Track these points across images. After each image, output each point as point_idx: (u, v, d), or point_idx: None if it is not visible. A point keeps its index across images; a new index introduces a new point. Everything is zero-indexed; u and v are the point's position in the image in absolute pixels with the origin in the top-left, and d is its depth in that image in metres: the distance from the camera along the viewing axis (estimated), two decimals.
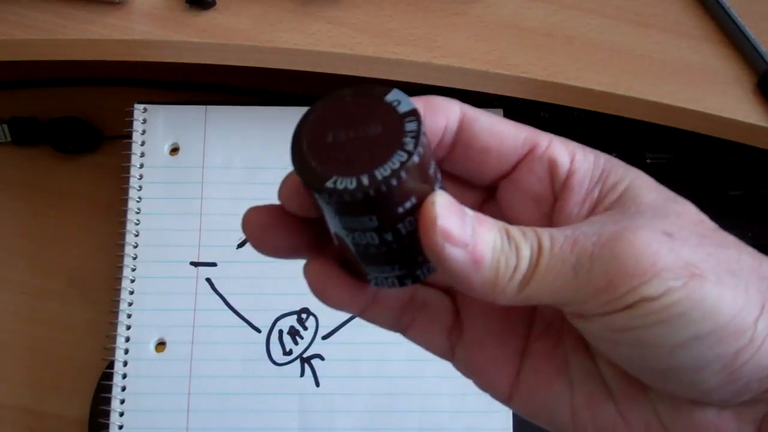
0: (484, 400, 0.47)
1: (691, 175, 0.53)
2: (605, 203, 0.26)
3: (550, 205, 0.27)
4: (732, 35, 0.49)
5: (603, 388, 0.27)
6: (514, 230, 0.24)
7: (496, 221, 0.25)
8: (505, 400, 0.29)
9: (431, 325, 0.29)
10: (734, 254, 0.25)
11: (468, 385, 0.48)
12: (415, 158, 0.23)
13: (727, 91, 0.47)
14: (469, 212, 0.24)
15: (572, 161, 0.27)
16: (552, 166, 0.27)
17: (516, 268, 0.24)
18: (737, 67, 0.48)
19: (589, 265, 0.23)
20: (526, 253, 0.24)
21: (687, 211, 0.26)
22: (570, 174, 0.27)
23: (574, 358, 0.27)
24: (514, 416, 0.48)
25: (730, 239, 0.26)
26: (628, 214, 0.25)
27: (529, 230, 0.24)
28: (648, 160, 0.53)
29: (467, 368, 0.29)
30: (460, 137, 0.27)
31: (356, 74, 0.48)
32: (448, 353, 0.29)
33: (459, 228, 0.23)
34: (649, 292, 0.23)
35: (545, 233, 0.24)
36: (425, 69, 0.47)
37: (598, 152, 0.27)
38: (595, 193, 0.27)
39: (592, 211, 0.26)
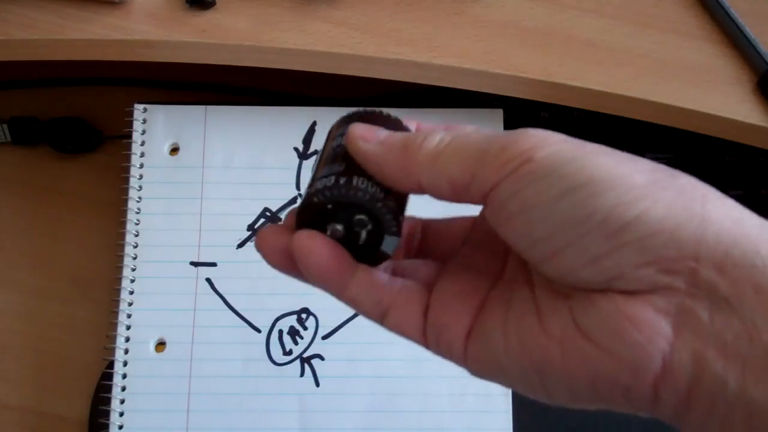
0: (484, 400, 0.48)
1: (691, 175, 0.53)
2: None
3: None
4: (732, 35, 0.49)
5: (532, 307, 0.27)
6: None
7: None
8: (462, 355, 0.29)
9: (409, 303, 0.30)
10: (648, 163, 0.26)
11: (468, 385, 0.48)
12: None
13: (727, 91, 0.47)
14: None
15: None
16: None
17: (424, 140, 0.28)
18: (737, 67, 0.48)
19: (495, 136, 0.27)
20: (437, 135, 0.28)
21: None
22: None
23: (517, 293, 0.28)
24: (514, 416, 0.48)
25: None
26: None
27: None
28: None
29: (434, 335, 0.29)
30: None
31: (356, 74, 0.48)
32: (421, 335, 0.30)
33: (364, 127, 0.29)
34: (534, 154, 0.26)
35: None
36: (425, 69, 0.47)
37: None
38: None
39: None
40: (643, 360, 0.24)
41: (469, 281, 0.30)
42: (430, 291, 0.30)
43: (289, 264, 0.30)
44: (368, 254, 0.30)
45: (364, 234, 0.29)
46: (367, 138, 0.29)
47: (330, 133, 0.31)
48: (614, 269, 0.25)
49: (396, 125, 0.31)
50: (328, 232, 0.29)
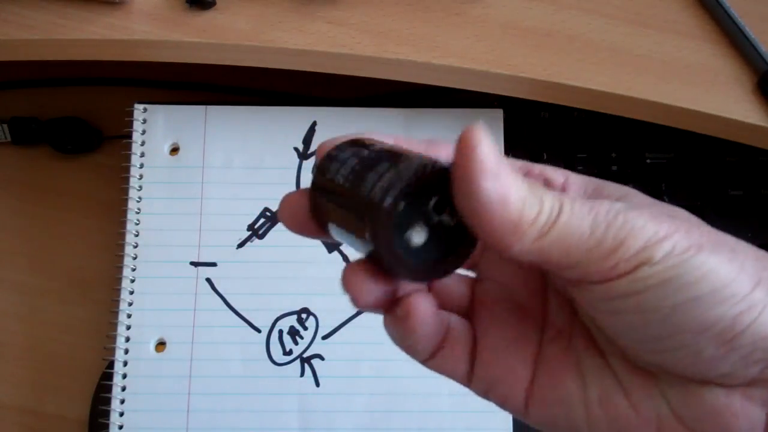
0: (484, 400, 0.48)
1: (691, 175, 0.53)
2: None
3: None
4: (732, 35, 0.49)
5: (614, 382, 0.27)
6: (537, 184, 0.25)
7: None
8: (522, 410, 0.29)
9: (455, 347, 0.29)
10: (732, 239, 0.26)
11: None
12: None
13: (727, 91, 0.47)
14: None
15: (566, 179, 0.29)
16: (547, 183, 0.28)
17: (539, 213, 0.24)
18: (737, 67, 0.48)
19: (604, 227, 0.24)
20: (548, 204, 0.25)
21: (683, 214, 0.27)
22: (564, 187, 0.28)
23: (585, 356, 0.28)
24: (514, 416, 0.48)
25: (727, 235, 0.26)
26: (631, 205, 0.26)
27: (549, 190, 0.25)
28: (648, 160, 0.53)
29: (485, 384, 0.29)
30: None
31: (356, 74, 0.48)
32: (467, 377, 0.30)
33: (494, 160, 0.23)
34: (652, 254, 0.24)
35: (565, 195, 0.25)
36: (425, 69, 0.47)
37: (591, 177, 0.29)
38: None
39: None
40: None
41: (514, 322, 0.29)
42: (471, 325, 0.30)
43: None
44: (455, 247, 0.26)
45: (447, 219, 0.25)
46: (488, 169, 0.24)
47: (324, 167, 0.28)
48: (725, 369, 0.25)
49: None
50: (411, 241, 0.25)
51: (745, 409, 0.25)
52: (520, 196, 0.24)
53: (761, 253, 0.26)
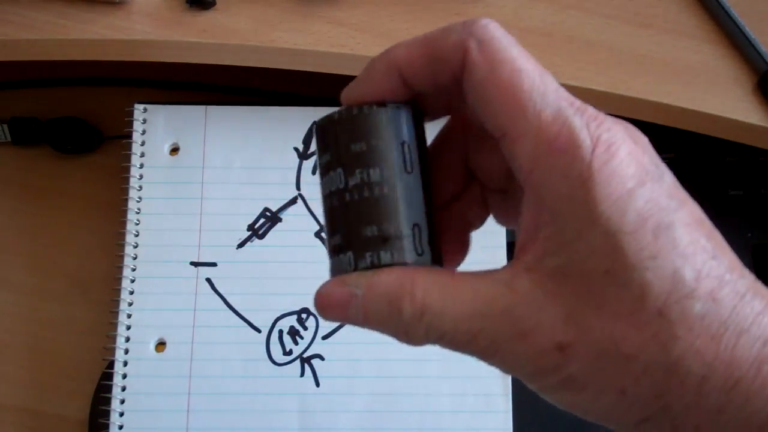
0: (484, 400, 0.48)
1: (691, 175, 0.53)
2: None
3: None
4: (732, 35, 0.49)
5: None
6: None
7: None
8: None
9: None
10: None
11: (468, 385, 0.48)
12: None
13: (727, 91, 0.47)
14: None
15: None
16: None
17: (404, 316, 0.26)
18: (737, 67, 0.48)
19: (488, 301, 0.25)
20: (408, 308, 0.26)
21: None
22: None
23: None
24: (514, 416, 0.48)
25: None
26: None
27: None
28: None
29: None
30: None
31: (356, 74, 0.48)
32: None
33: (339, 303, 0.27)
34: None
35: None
36: None
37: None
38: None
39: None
40: None
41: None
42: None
43: None
44: None
45: None
46: (340, 316, 0.27)
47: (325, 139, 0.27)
48: None
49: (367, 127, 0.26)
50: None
51: None
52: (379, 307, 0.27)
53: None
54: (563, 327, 0.24)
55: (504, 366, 0.25)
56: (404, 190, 0.25)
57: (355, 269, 0.25)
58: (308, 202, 0.51)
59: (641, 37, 0.49)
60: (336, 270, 0.26)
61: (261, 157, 0.52)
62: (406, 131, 0.26)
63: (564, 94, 0.26)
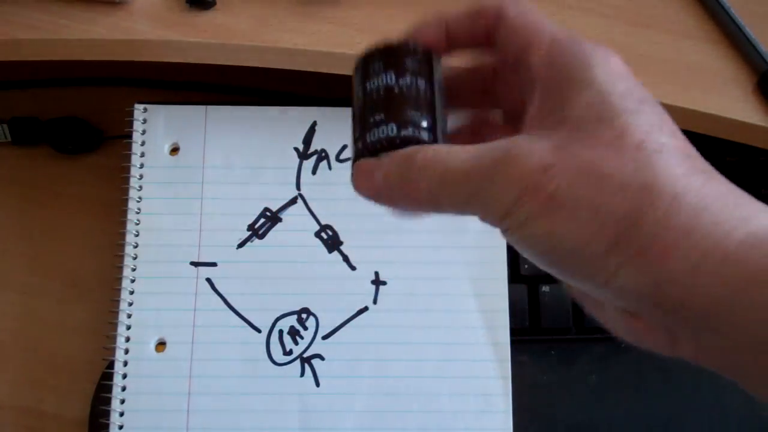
0: (484, 400, 0.48)
1: None
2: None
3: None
4: (732, 35, 0.49)
5: None
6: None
7: None
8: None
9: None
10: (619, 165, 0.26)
11: (468, 385, 0.48)
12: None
13: (727, 91, 0.47)
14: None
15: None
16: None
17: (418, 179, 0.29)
18: (737, 67, 0.48)
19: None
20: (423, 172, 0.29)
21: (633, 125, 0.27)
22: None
23: None
24: (514, 416, 0.48)
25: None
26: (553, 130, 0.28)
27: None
28: None
29: None
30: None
31: None
32: None
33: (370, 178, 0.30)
34: (508, 226, 0.27)
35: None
36: None
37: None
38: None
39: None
40: None
41: None
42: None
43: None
44: None
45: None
46: (367, 186, 0.30)
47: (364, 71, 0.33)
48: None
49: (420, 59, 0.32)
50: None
51: None
52: (393, 178, 0.29)
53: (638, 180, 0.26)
54: (550, 153, 0.26)
55: (491, 201, 0.27)
56: (438, 95, 0.31)
57: (398, 134, 0.30)
58: (308, 202, 0.51)
59: (641, 37, 0.49)
60: (378, 135, 0.30)
61: (261, 157, 0.52)
62: (436, 66, 0.32)
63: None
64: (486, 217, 0.28)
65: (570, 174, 0.26)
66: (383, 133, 0.30)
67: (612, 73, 0.28)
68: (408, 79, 0.31)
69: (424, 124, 0.30)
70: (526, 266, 0.51)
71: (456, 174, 0.27)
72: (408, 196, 0.29)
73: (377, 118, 0.31)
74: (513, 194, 0.26)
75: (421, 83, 0.31)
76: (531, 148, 0.26)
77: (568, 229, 0.26)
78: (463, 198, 0.28)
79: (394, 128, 0.30)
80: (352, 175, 0.31)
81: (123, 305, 0.49)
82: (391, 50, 0.32)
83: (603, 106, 0.27)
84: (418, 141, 0.30)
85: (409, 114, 0.30)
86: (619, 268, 0.25)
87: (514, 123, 0.32)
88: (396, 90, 0.31)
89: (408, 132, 0.30)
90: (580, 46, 0.28)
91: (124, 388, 0.48)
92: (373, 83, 0.32)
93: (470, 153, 0.28)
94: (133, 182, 0.51)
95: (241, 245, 0.51)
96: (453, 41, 0.32)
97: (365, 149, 0.30)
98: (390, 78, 0.31)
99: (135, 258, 0.50)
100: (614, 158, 0.26)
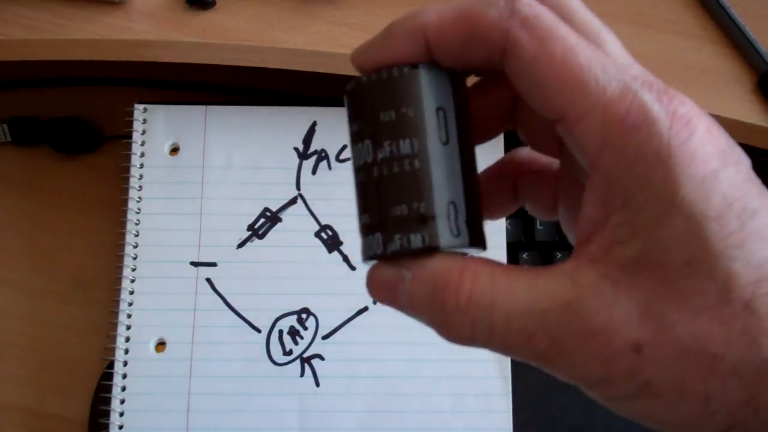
0: (484, 400, 0.48)
1: None
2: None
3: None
4: (732, 35, 0.49)
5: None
6: None
7: None
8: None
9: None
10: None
11: (468, 385, 0.48)
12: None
13: (727, 91, 0.47)
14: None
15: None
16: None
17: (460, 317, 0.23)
18: (737, 67, 0.48)
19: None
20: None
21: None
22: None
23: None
24: (514, 416, 0.48)
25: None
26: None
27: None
28: None
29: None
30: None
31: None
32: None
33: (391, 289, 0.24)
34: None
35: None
36: None
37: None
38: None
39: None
40: None
41: None
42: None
43: None
44: None
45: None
46: (389, 300, 0.24)
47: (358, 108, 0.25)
48: None
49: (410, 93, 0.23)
50: None
51: None
52: (430, 301, 0.24)
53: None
54: (639, 324, 0.21)
55: (567, 372, 0.22)
56: (439, 163, 0.23)
57: (384, 253, 0.23)
58: (308, 202, 0.51)
59: (641, 37, 0.49)
60: (367, 252, 0.24)
61: (261, 157, 0.52)
62: (443, 95, 0.23)
63: (626, 64, 0.23)
64: (559, 377, 0.23)
65: (669, 357, 0.21)
66: (376, 246, 0.23)
67: (701, 169, 0.21)
68: (392, 146, 0.22)
69: (429, 211, 0.22)
70: (525, 266, 0.51)
71: (514, 333, 0.22)
72: (444, 333, 0.24)
73: (364, 220, 0.24)
74: (597, 376, 0.22)
75: (418, 144, 0.22)
76: (613, 315, 0.21)
77: (671, 415, 0.22)
78: (522, 358, 0.23)
79: (380, 241, 0.23)
80: (368, 281, 0.25)
81: (123, 305, 0.49)
82: (366, 93, 0.23)
83: (697, 243, 0.20)
84: (424, 248, 0.23)
85: (399, 211, 0.23)
86: None
87: (534, 178, 0.28)
88: (376, 173, 0.23)
89: (405, 242, 0.23)
90: (650, 128, 0.21)
91: (124, 388, 0.48)
92: (357, 159, 0.23)
93: (527, 300, 0.22)
94: (133, 182, 0.51)
95: (241, 245, 0.51)
96: (440, 58, 0.24)
97: (373, 249, 0.23)
98: (368, 151, 0.23)
99: (135, 258, 0.50)
100: (721, 331, 0.20)
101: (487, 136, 0.28)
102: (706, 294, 0.20)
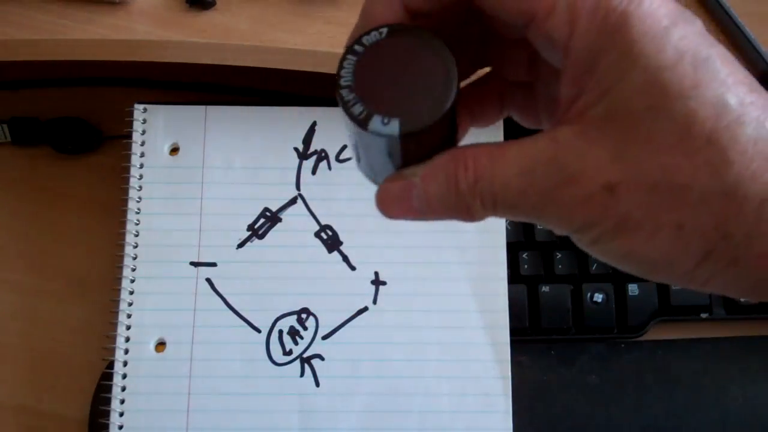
0: (484, 400, 0.48)
1: None
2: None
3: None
4: (732, 35, 0.49)
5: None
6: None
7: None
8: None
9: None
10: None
11: (468, 385, 0.48)
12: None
13: None
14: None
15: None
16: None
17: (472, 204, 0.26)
18: None
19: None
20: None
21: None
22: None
23: None
24: (514, 416, 0.48)
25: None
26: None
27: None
28: None
29: None
30: None
31: None
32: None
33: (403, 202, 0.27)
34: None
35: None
36: None
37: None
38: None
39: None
40: None
41: None
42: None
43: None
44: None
45: None
46: (403, 213, 0.27)
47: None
48: None
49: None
50: None
51: None
52: (441, 193, 0.26)
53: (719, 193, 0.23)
54: (610, 166, 0.23)
55: (557, 222, 0.25)
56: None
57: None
58: (308, 202, 0.51)
59: None
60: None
61: (261, 157, 0.52)
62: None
63: None
64: (553, 229, 0.26)
65: (640, 192, 0.23)
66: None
67: (653, 27, 0.23)
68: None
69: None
70: (525, 266, 0.51)
71: (511, 194, 0.25)
72: (458, 213, 0.26)
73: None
74: (579, 219, 0.24)
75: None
76: (587, 162, 0.24)
77: (648, 249, 0.24)
78: (523, 215, 0.26)
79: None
80: (379, 202, 0.27)
81: (123, 305, 0.49)
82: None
83: (655, 90, 0.23)
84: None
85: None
86: (711, 277, 0.24)
87: (516, 88, 0.30)
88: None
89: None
90: (608, 4, 0.24)
91: (123, 388, 0.48)
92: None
93: (518, 164, 0.25)
94: (133, 182, 0.51)
95: (241, 245, 0.51)
96: (416, 14, 0.27)
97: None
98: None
99: (135, 258, 0.50)
100: (686, 164, 0.23)
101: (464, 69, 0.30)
102: (668, 133, 0.23)
